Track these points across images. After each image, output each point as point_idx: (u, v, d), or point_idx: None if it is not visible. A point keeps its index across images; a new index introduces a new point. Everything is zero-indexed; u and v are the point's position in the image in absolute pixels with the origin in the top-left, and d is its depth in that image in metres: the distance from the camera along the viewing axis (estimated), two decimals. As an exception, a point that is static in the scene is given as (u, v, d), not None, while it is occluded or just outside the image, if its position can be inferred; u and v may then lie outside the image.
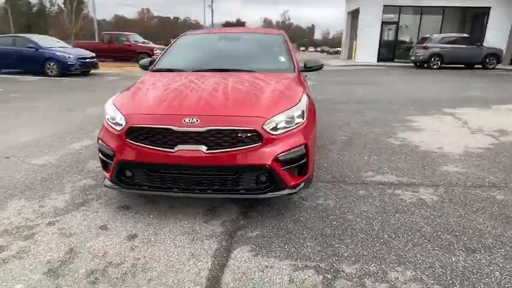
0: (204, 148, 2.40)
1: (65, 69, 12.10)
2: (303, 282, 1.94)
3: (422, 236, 2.40)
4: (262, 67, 3.48)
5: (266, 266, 2.08)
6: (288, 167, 2.52)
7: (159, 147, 2.45)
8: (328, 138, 4.89)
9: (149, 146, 2.47)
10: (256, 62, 3.66)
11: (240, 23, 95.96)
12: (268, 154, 2.43)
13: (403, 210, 2.78)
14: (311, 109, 2.92)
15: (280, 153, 2.45)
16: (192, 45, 4.14)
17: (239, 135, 2.42)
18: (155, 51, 17.58)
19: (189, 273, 2.03)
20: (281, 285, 1.93)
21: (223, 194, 2.52)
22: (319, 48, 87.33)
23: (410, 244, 2.31)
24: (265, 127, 2.44)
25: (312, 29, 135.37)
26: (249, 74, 3.28)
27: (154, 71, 3.62)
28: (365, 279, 1.96)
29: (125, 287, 1.91)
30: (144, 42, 18.49)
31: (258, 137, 2.43)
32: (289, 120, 2.59)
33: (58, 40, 13.99)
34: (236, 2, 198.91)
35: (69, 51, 12.53)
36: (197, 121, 2.41)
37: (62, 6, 58.36)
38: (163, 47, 18.73)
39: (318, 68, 3.82)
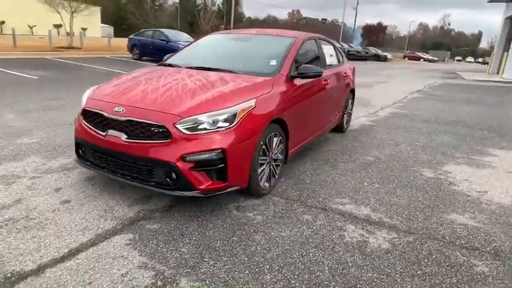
0: (124, 136, 2.57)
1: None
2: (131, 281, 1.93)
3: (314, 282, 2.01)
4: (245, 69, 3.38)
5: (122, 257, 2.13)
6: (198, 168, 2.47)
7: (97, 129, 2.74)
8: (352, 155, 4.35)
9: (91, 128, 2.78)
10: (244, 63, 3.57)
11: (380, 27, 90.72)
12: (175, 152, 2.43)
13: (326, 248, 2.35)
14: (256, 117, 2.72)
15: (187, 153, 2.43)
16: (205, 44, 4.29)
17: (152, 129, 2.50)
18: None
19: (65, 240, 2.25)
20: (111, 277, 1.96)
21: (138, 183, 2.64)
22: (480, 59, 74.55)
23: (287, 282, 1.98)
24: (177, 125, 2.45)
25: (477, 36, 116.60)
26: (223, 75, 3.25)
27: (160, 64, 3.94)
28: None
29: (15, 233, 2.27)
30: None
31: (167, 134, 2.46)
32: (212, 122, 2.51)
33: (188, 36, 16.11)
34: (394, 4, 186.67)
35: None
36: (123, 111, 2.60)
37: (220, 5, 66.78)
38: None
39: (314, 75, 3.47)
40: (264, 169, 2.97)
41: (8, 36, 20.67)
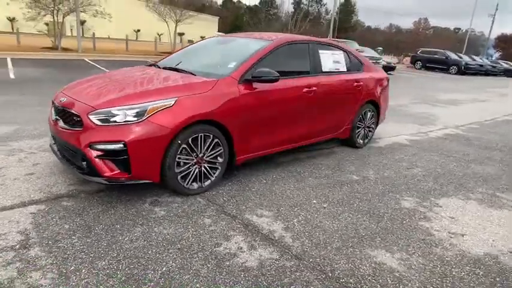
0: (61, 123, 2.97)
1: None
2: (3, 240, 2.25)
3: (136, 278, 2.01)
4: (204, 70, 3.44)
5: (16, 221, 2.48)
6: (105, 157, 2.68)
7: (52, 116, 3.20)
8: (337, 171, 3.96)
9: (50, 115, 3.27)
10: (208, 64, 3.62)
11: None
12: (84, 140, 2.70)
13: (188, 252, 2.27)
14: (172, 115, 2.78)
15: (94, 142, 2.66)
16: (195, 47, 4.45)
17: (74, 118, 2.82)
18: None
19: (-6, 203, 2.74)
20: (-10, 235, 2.32)
21: (69, 166, 2.97)
22: None
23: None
24: (90, 116, 2.71)
25: None
26: (174, 74, 3.40)
27: (150, 64, 4.27)
28: None
29: (-36, 193, 2.86)
30: (357, 50, 18.53)
31: (81, 123, 2.74)
32: (123, 116, 2.69)
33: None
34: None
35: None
36: (63, 100, 3.00)
37: (335, 14, 66.02)
38: (372, 55, 18.18)
39: (269, 79, 3.31)
40: (189, 169, 3.00)
41: (138, 42, 24.65)
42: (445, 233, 2.80)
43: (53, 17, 15.50)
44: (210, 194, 3.14)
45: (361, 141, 4.99)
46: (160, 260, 2.17)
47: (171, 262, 2.16)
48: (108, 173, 2.70)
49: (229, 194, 3.19)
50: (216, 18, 53.11)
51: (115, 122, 2.69)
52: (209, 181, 3.18)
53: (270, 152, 3.74)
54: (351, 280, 2.12)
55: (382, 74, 5.27)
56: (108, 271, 2.04)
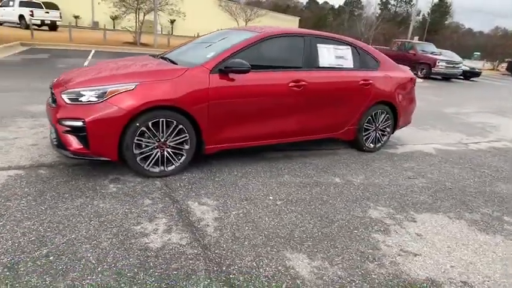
0: (50, 101, 3.34)
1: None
2: (-34, 195, 2.66)
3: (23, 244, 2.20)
4: (187, 60, 3.54)
5: (-9, 181, 2.90)
6: (70, 133, 2.95)
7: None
8: (321, 172, 3.73)
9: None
10: (192, 55, 3.68)
11: None
12: (56, 116, 3.01)
13: (89, 220, 2.39)
14: (130, 98, 2.93)
15: (61, 118, 2.96)
16: (201, 39, 4.51)
17: (54, 97, 3.15)
18: (438, 63, 15.82)
19: (-11, 165, 3.22)
20: (-36, 188, 2.75)
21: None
22: None
23: None
24: (62, 95, 3.01)
25: None
26: (158, 63, 3.56)
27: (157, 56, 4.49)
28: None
29: (-26, 154, 3.41)
30: (432, 53, 16.84)
31: (56, 101, 3.05)
32: (88, 96, 2.94)
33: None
34: None
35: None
36: (54, 82, 3.37)
37: (426, 15, 60.59)
38: (450, 59, 16.34)
39: (239, 70, 3.26)
40: (151, 152, 3.13)
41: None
42: (396, 249, 2.46)
43: (136, 15, 17.21)
44: (171, 179, 3.24)
45: (372, 145, 4.59)
46: (75, 229, 2.34)
47: (83, 231, 2.31)
48: (72, 147, 2.97)
49: (190, 181, 3.24)
50: (297, 19, 53.03)
51: (81, 101, 2.95)
52: (173, 166, 3.28)
53: (248, 145, 3.69)
54: (240, 277, 2.02)
55: (404, 74, 4.77)
56: (25, 230, 2.27)
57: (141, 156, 3.11)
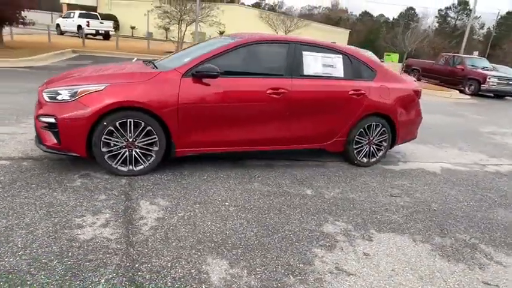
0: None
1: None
2: (-51, 178, 2.97)
3: (-7, 223, 2.38)
4: (168, 65, 3.68)
5: (-23, 169, 3.21)
6: (45, 129, 3.19)
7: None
8: (290, 185, 3.63)
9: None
10: (177, 61, 3.74)
11: None
12: (37, 112, 3.27)
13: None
14: (99, 99, 3.09)
15: (39, 114, 3.21)
16: (196, 46, 4.61)
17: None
18: (488, 79, 14.61)
19: (-15, 155, 3.57)
20: (-49, 173, 3.07)
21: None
22: None
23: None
24: (43, 93, 3.26)
25: None
26: (142, 68, 3.73)
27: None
28: None
29: (-23, 145, 3.81)
30: (484, 68, 15.55)
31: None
32: (63, 95, 3.16)
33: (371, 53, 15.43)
34: None
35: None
36: (44, 82, 3.66)
37: (491, 29, 56.32)
38: (503, 75, 14.99)
39: (210, 75, 3.31)
40: (119, 151, 3.27)
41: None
42: (330, 266, 2.31)
43: (178, 26, 18.13)
44: (138, 178, 3.34)
45: (365, 160, 4.36)
46: (22, 216, 2.50)
47: (27, 219, 2.47)
48: (47, 143, 3.20)
49: (155, 181, 3.32)
50: (347, 31, 52.19)
51: (57, 100, 3.18)
52: (141, 166, 3.38)
53: (222, 150, 3.69)
54: (147, 276, 2.03)
55: (406, 86, 4.49)
56: (-23, 213, 2.48)
57: (109, 155, 3.26)
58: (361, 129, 4.22)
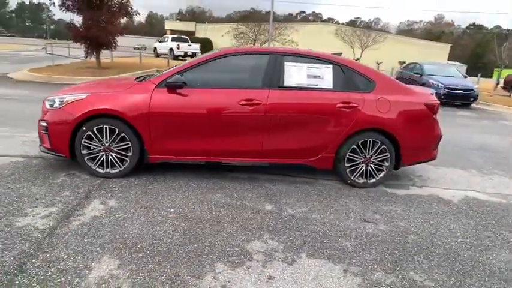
0: (54, 107, 4.26)
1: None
2: (-31, 169, 3.66)
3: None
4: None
5: (-5, 163, 3.88)
6: (43, 131, 3.72)
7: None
8: (250, 202, 3.48)
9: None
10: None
11: None
12: (40, 117, 3.83)
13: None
14: (79, 106, 3.48)
15: (40, 119, 3.75)
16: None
17: (46, 103, 4.01)
18: None
19: None
20: (-25, 165, 3.78)
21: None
22: None
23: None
24: (45, 101, 3.80)
25: None
26: (127, 80, 4.07)
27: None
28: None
29: None
30: None
31: (45, 107, 3.88)
32: (56, 103, 3.65)
33: (456, 70, 13.68)
34: None
35: (446, 80, 12.22)
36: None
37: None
38: None
39: (176, 85, 3.45)
40: (97, 154, 3.60)
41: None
42: (218, 284, 2.15)
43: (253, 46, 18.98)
44: (111, 180, 3.61)
45: (361, 180, 3.93)
46: None
47: None
48: (44, 144, 3.72)
49: (123, 184, 3.54)
50: (447, 46, 47.51)
51: (52, 107, 3.69)
52: (117, 170, 3.66)
53: (195, 159, 3.75)
54: (37, 263, 2.20)
55: (415, 99, 3.94)
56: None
57: (88, 157, 3.61)
58: (354, 146, 3.83)
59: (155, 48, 27.50)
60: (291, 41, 18.47)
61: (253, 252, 2.52)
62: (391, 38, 33.16)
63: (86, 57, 14.34)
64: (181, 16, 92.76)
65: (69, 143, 3.56)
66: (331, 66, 3.86)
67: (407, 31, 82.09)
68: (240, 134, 3.70)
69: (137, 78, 4.04)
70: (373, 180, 3.95)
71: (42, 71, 12.34)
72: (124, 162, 3.66)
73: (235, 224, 2.92)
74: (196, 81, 3.65)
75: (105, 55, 15.79)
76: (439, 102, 4.10)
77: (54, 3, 13.69)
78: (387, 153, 3.88)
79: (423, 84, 12.61)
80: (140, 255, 2.39)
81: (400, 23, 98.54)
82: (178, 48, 24.30)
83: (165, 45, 25.72)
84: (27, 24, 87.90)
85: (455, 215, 3.44)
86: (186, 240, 2.61)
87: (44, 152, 3.79)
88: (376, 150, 3.86)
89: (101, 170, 3.65)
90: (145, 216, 2.93)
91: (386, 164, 3.92)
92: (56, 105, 3.63)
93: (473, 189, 4.20)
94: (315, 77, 3.82)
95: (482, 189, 4.25)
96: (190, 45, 25.34)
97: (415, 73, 13.52)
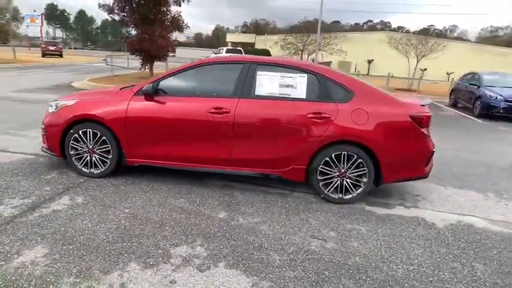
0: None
1: (485, 110, 10.98)
2: (-14, 162, 4.27)
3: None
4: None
5: None
6: (43, 132, 4.19)
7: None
8: (210, 216, 3.51)
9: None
10: None
11: None
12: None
13: None
14: (66, 111, 3.89)
15: (42, 122, 4.24)
16: None
17: (54, 108, 4.51)
18: None
19: None
20: (-7, 159, 4.40)
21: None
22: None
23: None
24: (48, 106, 4.28)
25: None
26: (116, 89, 4.39)
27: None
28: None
29: None
30: None
31: (49, 111, 4.38)
32: (54, 107, 4.11)
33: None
34: None
35: (507, 92, 10.86)
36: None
37: None
38: None
39: (147, 93, 3.72)
40: (82, 155, 3.96)
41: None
42: (116, 281, 2.24)
43: (301, 56, 18.91)
44: (92, 179, 3.91)
45: (336, 196, 3.73)
46: (-20, 191, 3.42)
47: (-21, 193, 3.36)
48: (44, 144, 4.19)
49: (100, 183, 3.81)
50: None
51: (51, 111, 4.15)
52: (99, 170, 3.97)
53: (170, 164, 3.89)
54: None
55: (400, 111, 3.64)
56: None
57: (75, 157, 3.99)
58: (327, 159, 3.66)
59: (212, 60, 28.85)
60: (339, 51, 18.01)
61: (174, 256, 2.56)
62: (461, 46, 30.51)
63: (141, 68, 15.63)
64: (246, 28, 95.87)
65: (59, 144, 3.97)
66: (306, 75, 3.77)
67: (488, 38, 74.44)
68: (210, 142, 3.77)
69: (123, 87, 4.36)
70: (350, 196, 3.72)
71: (99, 80, 13.74)
72: (105, 164, 3.96)
73: (177, 228, 2.99)
74: (173, 90, 3.84)
75: (160, 66, 17.05)
76: (429, 114, 3.73)
77: (114, 19, 15.25)
78: (365, 168, 3.64)
79: (478, 97, 11.45)
80: (70, 247, 2.58)
81: (482, 29, 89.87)
82: (230, 59, 25.17)
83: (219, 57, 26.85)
84: (109, 38, 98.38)
85: (428, 241, 3.08)
86: (119, 239, 2.75)
87: (44, 151, 4.26)
88: (352, 164, 3.65)
89: (86, 170, 4.00)
90: (99, 214, 3.14)
91: (365, 179, 3.67)
92: (53, 109, 4.08)
93: (473, 215, 3.71)
94: (287, 86, 3.76)
95: (487, 215, 3.73)
96: (243, 57, 26.12)
97: (471, 84, 12.26)
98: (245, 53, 27.25)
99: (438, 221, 3.50)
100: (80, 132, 3.90)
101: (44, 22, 55.52)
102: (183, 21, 16.50)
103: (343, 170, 3.67)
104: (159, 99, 3.79)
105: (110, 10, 15.35)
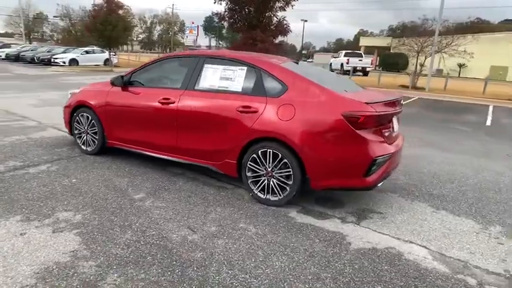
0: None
1: None
2: None
3: (-4, 153, 4.64)
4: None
5: (56, 135, 5.76)
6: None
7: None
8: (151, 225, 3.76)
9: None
10: None
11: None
12: (73, 106, 5.42)
13: (11, 158, 4.47)
14: (74, 97, 4.79)
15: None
16: None
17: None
18: None
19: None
20: None
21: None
22: None
23: None
24: (69, 93, 5.33)
25: None
26: None
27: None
28: None
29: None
30: None
31: (77, 98, 5.44)
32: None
33: None
34: None
35: None
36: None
37: None
38: None
39: (116, 85, 4.22)
40: (81, 134, 4.81)
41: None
42: (-7, 227, 2.78)
43: (416, 59, 16.77)
44: (86, 156, 4.69)
45: (262, 196, 3.49)
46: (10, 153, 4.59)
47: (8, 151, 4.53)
48: (65, 124, 5.26)
49: (87, 160, 4.54)
50: None
51: (68, 97, 5.17)
52: (91, 148, 4.75)
53: (139, 149, 4.27)
54: (-49, 186, 3.46)
55: (327, 108, 3.13)
56: None
57: (77, 136, 4.87)
58: (254, 155, 3.46)
59: (330, 64, 28.37)
60: (464, 53, 15.02)
61: (52, 217, 2.96)
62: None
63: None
64: (392, 32, 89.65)
65: (69, 124, 4.94)
66: (245, 68, 3.64)
67: None
68: (161, 130, 4.04)
69: None
70: (276, 199, 3.42)
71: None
72: (95, 143, 4.70)
73: (85, 198, 3.39)
74: (142, 81, 4.29)
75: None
76: (369, 114, 3.06)
77: (223, 25, 16.88)
78: (289, 169, 3.29)
79: None
80: (19, 204, 3.18)
81: None
82: (347, 63, 24.31)
83: (338, 61, 26.21)
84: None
85: (312, 258, 2.61)
86: (38, 198, 3.31)
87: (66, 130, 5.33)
88: (276, 164, 3.34)
89: (83, 147, 4.83)
90: (51, 180, 3.82)
91: (290, 183, 3.31)
92: (69, 96, 5.10)
93: (425, 246, 2.89)
94: (227, 79, 3.71)
95: (442, 248, 2.85)
96: (360, 60, 24.83)
97: None
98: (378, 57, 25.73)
99: (361, 243, 2.88)
100: (79, 116, 4.76)
101: (202, 33, 65.04)
102: (288, 25, 16.98)
103: (269, 169, 3.40)
104: (128, 89, 4.29)
105: (221, 18, 17.10)
